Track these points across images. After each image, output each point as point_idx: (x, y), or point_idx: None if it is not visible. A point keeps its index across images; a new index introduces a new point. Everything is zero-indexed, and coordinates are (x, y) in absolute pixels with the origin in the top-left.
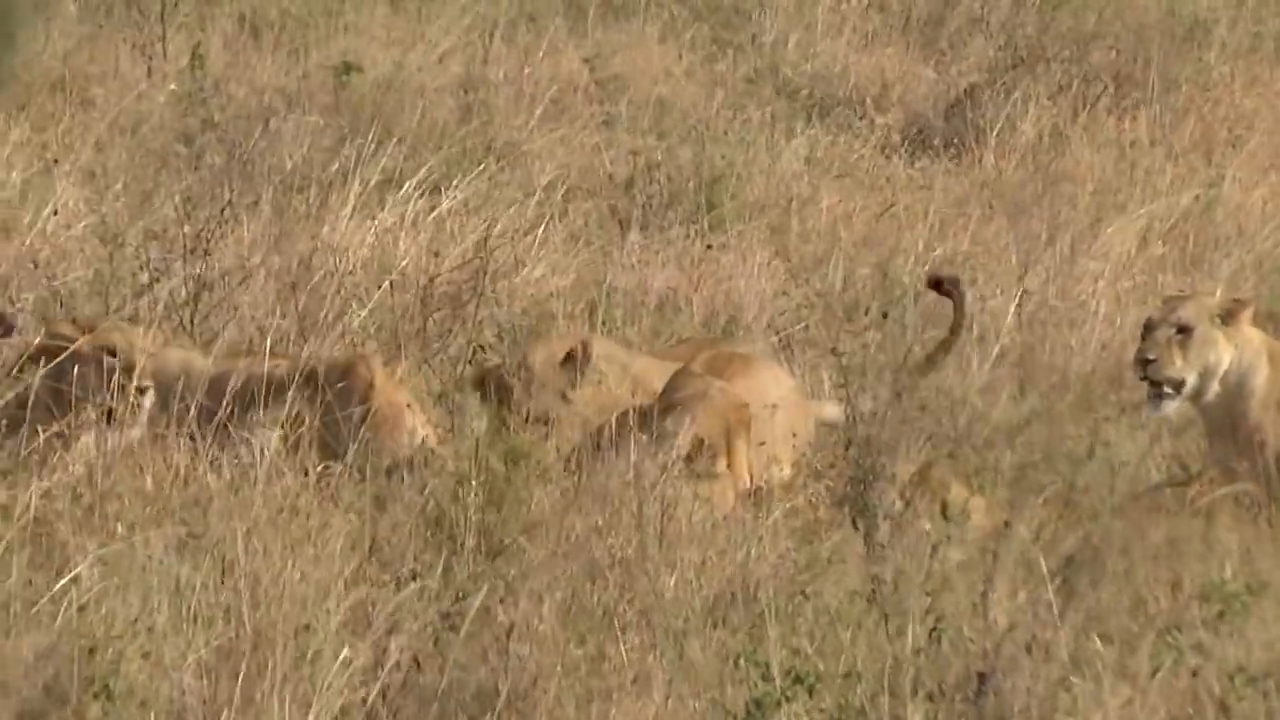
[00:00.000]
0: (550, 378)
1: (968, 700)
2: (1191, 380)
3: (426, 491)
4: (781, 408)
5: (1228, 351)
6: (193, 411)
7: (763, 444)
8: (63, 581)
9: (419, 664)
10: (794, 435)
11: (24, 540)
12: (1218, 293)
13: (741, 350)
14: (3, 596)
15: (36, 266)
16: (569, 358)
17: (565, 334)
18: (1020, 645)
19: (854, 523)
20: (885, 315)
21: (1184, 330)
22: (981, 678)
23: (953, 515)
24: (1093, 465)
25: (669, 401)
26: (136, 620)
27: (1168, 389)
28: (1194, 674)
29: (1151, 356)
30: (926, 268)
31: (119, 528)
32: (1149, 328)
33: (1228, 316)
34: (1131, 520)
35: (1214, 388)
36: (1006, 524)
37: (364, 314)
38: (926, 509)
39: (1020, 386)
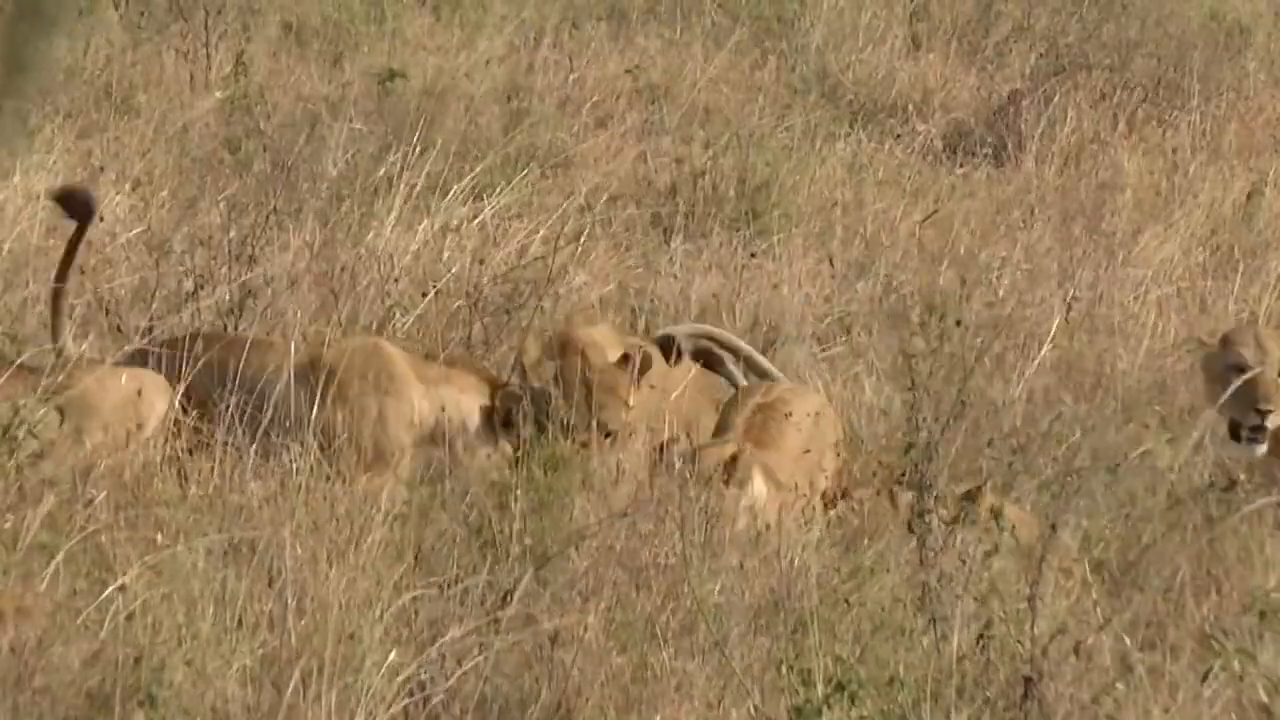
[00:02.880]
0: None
1: (1012, 706)
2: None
3: (469, 499)
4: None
5: None
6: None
7: (808, 451)
8: (109, 590)
9: (466, 672)
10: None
11: (71, 549)
12: (1262, 301)
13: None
14: (50, 606)
15: (83, 273)
16: (624, 360)
17: (606, 336)
18: (1065, 651)
19: (910, 527)
20: (958, 322)
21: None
22: (1027, 682)
23: (1003, 525)
24: (1136, 472)
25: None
26: (181, 629)
27: (1266, 429)
28: (1240, 678)
29: (1273, 407)
30: (970, 276)
31: (162, 536)
32: (1244, 369)
33: None
34: (1175, 527)
35: None
36: (1053, 527)
37: (409, 322)
38: (974, 519)
39: (1065, 393)
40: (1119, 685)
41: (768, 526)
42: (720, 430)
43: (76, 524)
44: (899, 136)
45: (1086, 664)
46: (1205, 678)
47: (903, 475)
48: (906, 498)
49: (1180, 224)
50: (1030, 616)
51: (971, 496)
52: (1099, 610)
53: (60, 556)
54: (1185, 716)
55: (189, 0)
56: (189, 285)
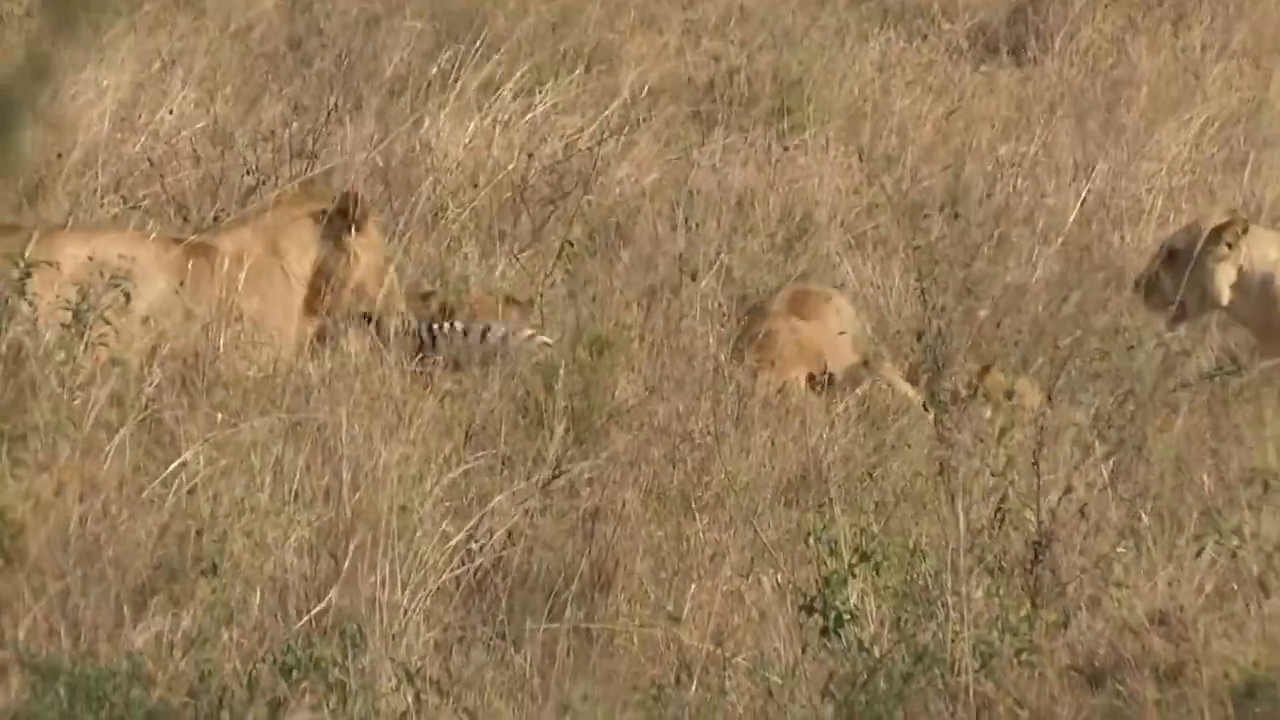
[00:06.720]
0: None
1: (1026, 573)
2: (1192, 305)
3: (517, 379)
4: (847, 333)
5: (1228, 270)
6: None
7: (843, 333)
8: (172, 465)
9: (512, 540)
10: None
11: (137, 427)
12: (1268, 192)
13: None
14: (118, 481)
15: (152, 164)
16: None
17: None
18: (1072, 517)
19: (924, 406)
20: (956, 214)
21: (1179, 254)
22: (1037, 546)
23: (1014, 402)
24: (1144, 352)
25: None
26: (242, 501)
27: (1173, 316)
28: (1234, 554)
29: (1139, 291)
30: (991, 167)
31: (223, 415)
32: (1174, 253)
33: (1226, 235)
34: (1179, 405)
35: (1227, 297)
36: (1049, 396)
37: (464, 213)
38: (986, 396)
39: (1080, 279)
40: (1121, 549)
41: (796, 406)
42: (756, 323)
43: (142, 402)
44: (925, 37)
45: (1095, 532)
46: (1199, 553)
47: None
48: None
49: (1192, 119)
50: (1038, 485)
51: (983, 375)
52: (1108, 482)
53: (125, 433)
54: (1187, 582)
55: None
56: (251, 180)
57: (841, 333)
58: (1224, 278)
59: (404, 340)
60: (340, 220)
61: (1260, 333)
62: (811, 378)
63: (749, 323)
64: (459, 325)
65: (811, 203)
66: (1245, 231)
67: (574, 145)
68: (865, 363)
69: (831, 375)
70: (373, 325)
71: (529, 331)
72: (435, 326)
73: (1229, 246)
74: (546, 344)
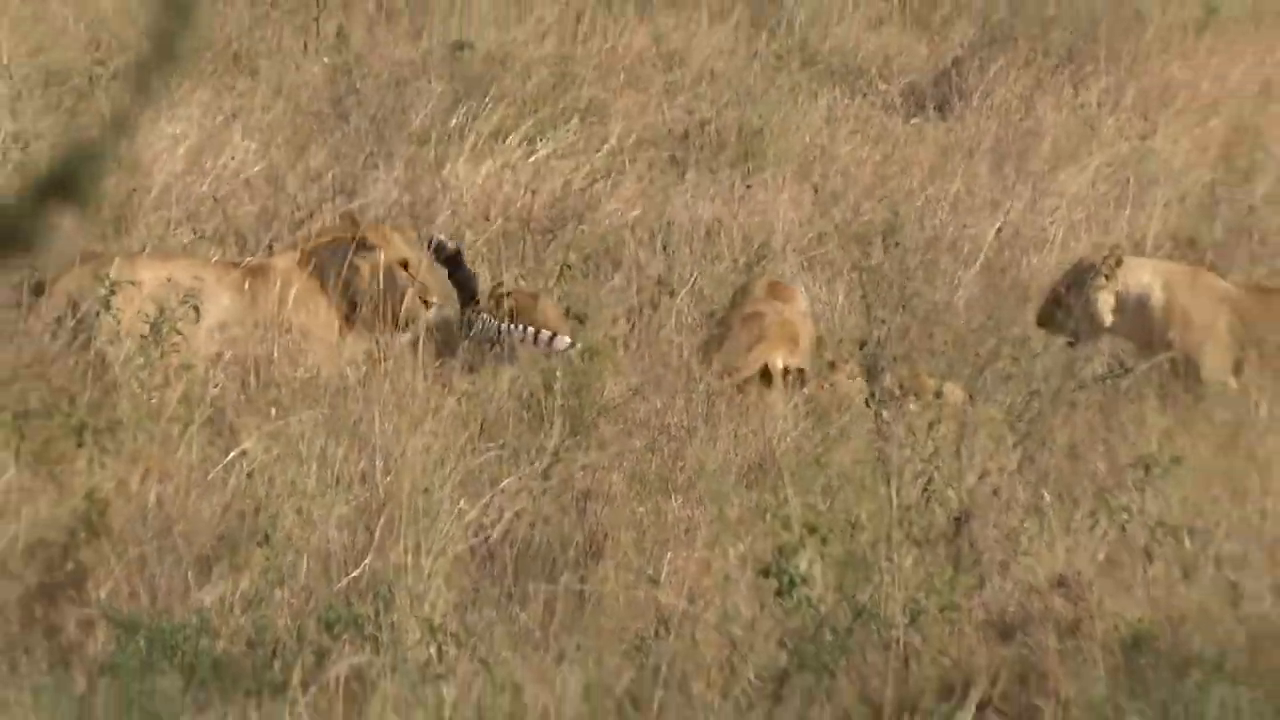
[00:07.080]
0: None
1: (948, 543)
2: (1084, 330)
3: (521, 381)
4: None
5: (1107, 297)
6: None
7: (795, 342)
8: (233, 454)
9: (518, 517)
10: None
11: (204, 422)
12: (1151, 225)
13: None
14: (187, 467)
15: (216, 201)
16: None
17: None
18: (987, 496)
19: (866, 403)
20: (896, 243)
21: (1069, 288)
22: (958, 521)
23: (941, 400)
24: (1048, 358)
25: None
26: (292, 484)
27: (1069, 339)
28: (1123, 528)
29: (1040, 323)
30: (921, 203)
31: (276, 411)
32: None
33: (1102, 268)
34: (1077, 403)
35: (1110, 319)
36: (972, 397)
37: (478, 241)
38: (917, 394)
39: (996, 297)
40: (1028, 524)
41: (754, 403)
42: (738, 307)
43: (208, 400)
44: (865, 95)
45: (1006, 509)
46: (1093, 527)
47: (867, 368)
48: (859, 383)
49: (1089, 164)
50: (959, 470)
51: (914, 374)
52: (1016, 467)
53: (194, 427)
54: (1083, 551)
55: None
56: (300, 215)
57: (794, 342)
58: (1104, 304)
59: (437, 335)
60: (351, 242)
61: (1140, 347)
62: (786, 370)
63: (730, 309)
64: (506, 325)
65: (769, 232)
66: (1119, 263)
67: (570, 185)
68: (831, 364)
69: (802, 371)
70: (400, 330)
71: (564, 337)
72: (485, 319)
73: (1106, 277)
74: (573, 346)
